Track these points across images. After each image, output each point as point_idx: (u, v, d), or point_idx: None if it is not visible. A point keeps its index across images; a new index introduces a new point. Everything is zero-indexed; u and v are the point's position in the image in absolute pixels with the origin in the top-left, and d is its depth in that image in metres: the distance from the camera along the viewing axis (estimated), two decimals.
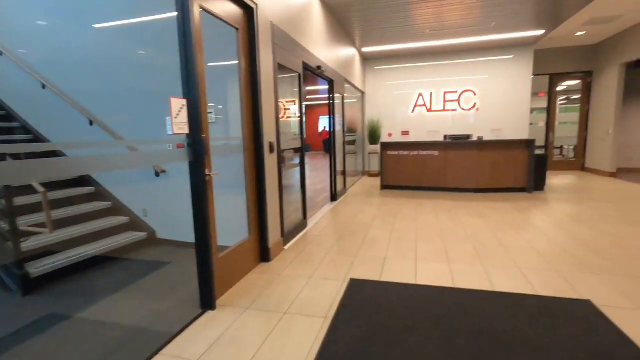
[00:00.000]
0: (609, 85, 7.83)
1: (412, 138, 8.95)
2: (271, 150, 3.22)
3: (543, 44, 8.11)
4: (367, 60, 9.08)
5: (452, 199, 5.84)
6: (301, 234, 4.06)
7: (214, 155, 2.40)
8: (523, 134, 8.29)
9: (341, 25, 6.29)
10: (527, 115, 8.27)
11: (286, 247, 3.59)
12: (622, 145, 8.42)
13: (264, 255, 3.19)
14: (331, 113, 5.75)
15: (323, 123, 19.80)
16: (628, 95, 8.23)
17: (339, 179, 6.33)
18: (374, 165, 9.06)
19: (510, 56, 8.17)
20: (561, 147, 9.29)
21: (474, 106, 8.56)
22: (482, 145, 6.20)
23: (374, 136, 8.77)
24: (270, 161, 3.22)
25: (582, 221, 4.26)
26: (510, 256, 3.16)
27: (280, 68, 3.55)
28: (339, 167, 6.38)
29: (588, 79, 8.61)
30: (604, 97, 8.05)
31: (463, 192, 6.40)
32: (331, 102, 5.72)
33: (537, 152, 6.18)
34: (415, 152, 6.66)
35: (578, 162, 8.98)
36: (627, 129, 8.45)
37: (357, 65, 8.11)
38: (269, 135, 3.19)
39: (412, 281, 2.69)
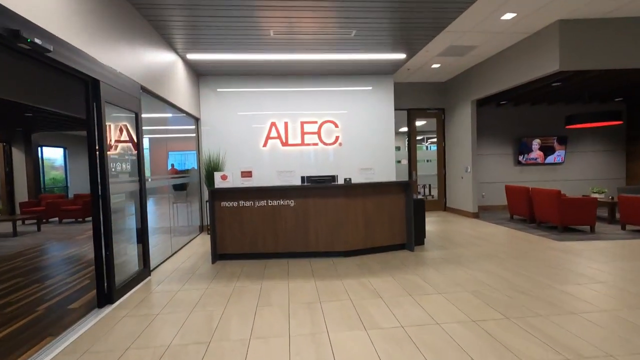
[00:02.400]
0: (462, 122, 7.56)
1: (259, 181, 6.65)
2: None
3: (401, 76, 7.43)
4: (204, 77, 6.78)
5: (315, 275, 3.81)
6: None
7: None
8: (390, 174, 7.23)
9: (138, 8, 3.85)
10: (392, 152, 7.29)
11: None
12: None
13: None
14: (96, 137, 3.09)
15: (173, 159, 16.14)
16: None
17: (128, 253, 3.58)
18: None
19: (370, 87, 7.18)
20: (422, 185, 8.76)
21: (336, 140, 7.15)
22: (351, 190, 4.49)
23: (213, 178, 6.32)
24: None
25: (506, 309, 2.72)
26: None
27: None
28: (126, 230, 3.65)
29: (442, 115, 8.37)
30: (458, 135, 7.76)
31: (330, 256, 4.50)
32: (97, 118, 3.08)
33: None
34: (263, 202, 4.50)
35: (441, 202, 8.50)
36: (477, 167, 8.42)
37: (182, 80, 5.70)
38: None
39: None
